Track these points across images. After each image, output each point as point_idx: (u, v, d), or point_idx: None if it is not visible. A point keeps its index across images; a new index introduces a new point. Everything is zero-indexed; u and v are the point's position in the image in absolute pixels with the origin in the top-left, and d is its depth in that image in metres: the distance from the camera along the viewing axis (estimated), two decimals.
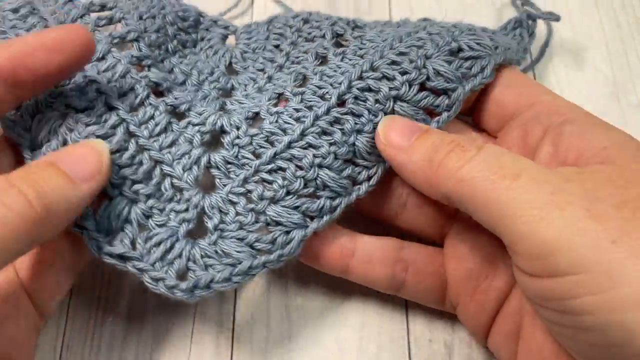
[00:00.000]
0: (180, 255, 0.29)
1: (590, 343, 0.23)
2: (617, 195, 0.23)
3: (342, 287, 0.34)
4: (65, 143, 0.29)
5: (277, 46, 0.37)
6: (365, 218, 0.33)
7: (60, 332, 0.33)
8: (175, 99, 0.32)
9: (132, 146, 0.30)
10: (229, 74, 0.36)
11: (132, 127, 0.30)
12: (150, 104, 0.31)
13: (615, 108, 0.40)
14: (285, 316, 0.33)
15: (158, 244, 0.29)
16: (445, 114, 0.31)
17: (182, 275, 0.28)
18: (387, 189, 0.32)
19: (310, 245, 0.30)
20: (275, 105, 0.32)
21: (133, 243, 0.29)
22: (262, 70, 0.36)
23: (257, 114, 0.32)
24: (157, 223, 0.29)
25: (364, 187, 0.31)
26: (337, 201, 0.30)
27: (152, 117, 0.31)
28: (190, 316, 0.33)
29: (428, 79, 0.30)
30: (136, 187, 0.29)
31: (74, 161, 0.26)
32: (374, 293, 0.34)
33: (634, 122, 0.39)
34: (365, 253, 0.31)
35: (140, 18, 0.34)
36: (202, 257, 0.29)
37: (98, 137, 0.29)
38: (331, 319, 0.33)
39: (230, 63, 0.37)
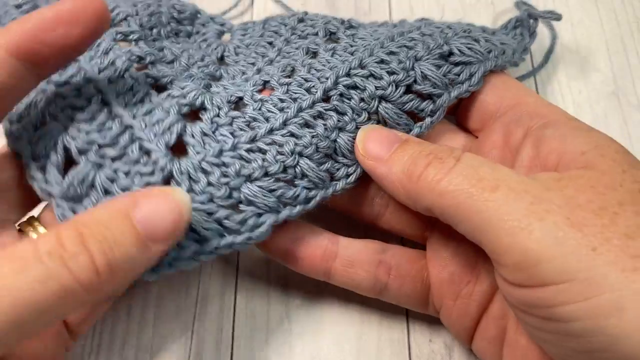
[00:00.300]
0: None
1: (574, 349, 0.23)
2: (596, 201, 0.23)
3: (342, 287, 0.34)
4: (66, 151, 0.28)
5: (270, 43, 0.36)
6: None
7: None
8: (158, 72, 0.31)
9: (104, 115, 0.29)
10: (219, 65, 0.36)
11: (108, 97, 0.29)
12: (131, 76, 0.31)
13: (615, 108, 0.40)
14: (285, 316, 0.33)
15: None
16: (428, 119, 0.31)
17: None
18: (369, 190, 0.32)
19: (291, 248, 0.30)
20: (260, 92, 0.32)
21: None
22: (252, 64, 0.35)
23: (240, 98, 0.31)
24: (122, 187, 0.27)
25: (341, 184, 0.30)
26: (313, 192, 0.30)
27: (130, 89, 0.30)
28: (190, 316, 0.33)
29: (415, 81, 0.30)
30: (103, 150, 0.28)
31: (149, 217, 0.23)
32: None
33: (634, 122, 0.39)
34: (347, 256, 0.31)
35: (134, 5, 0.34)
36: None
37: (75, 108, 0.28)
38: (331, 318, 0.33)
39: (223, 57, 0.37)
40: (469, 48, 0.31)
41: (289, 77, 0.32)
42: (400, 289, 0.31)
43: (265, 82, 0.32)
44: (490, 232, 0.24)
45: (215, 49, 0.36)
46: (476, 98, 0.32)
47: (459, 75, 0.31)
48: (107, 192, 0.27)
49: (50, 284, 0.21)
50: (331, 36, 0.35)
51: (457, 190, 0.25)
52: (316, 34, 0.35)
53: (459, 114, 0.33)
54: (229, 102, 0.31)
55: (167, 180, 0.28)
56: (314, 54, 0.34)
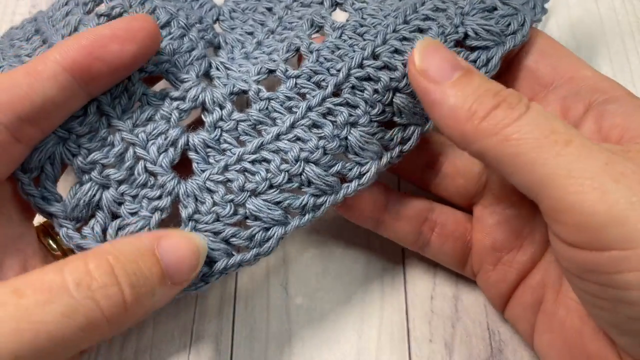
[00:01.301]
0: None
1: (629, 316, 0.22)
2: None
3: (342, 287, 0.34)
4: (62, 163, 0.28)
5: (269, 9, 0.34)
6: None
7: None
8: (154, 65, 0.29)
9: (102, 126, 0.28)
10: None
11: (104, 106, 0.28)
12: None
13: None
14: (285, 316, 0.33)
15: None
16: None
17: None
18: (421, 156, 0.32)
19: (346, 198, 0.30)
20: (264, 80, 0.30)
21: (104, 231, 0.27)
22: (251, 33, 0.33)
23: (244, 92, 0.30)
24: (130, 211, 0.27)
25: (353, 186, 0.29)
26: (321, 199, 0.28)
27: (125, 90, 0.29)
28: (190, 316, 0.33)
29: None
30: (107, 171, 0.28)
31: (173, 259, 0.24)
32: (374, 292, 0.34)
33: None
34: (396, 209, 0.31)
35: None
36: None
37: (74, 123, 0.27)
38: (331, 318, 0.33)
39: (218, 20, 0.34)
40: (486, 30, 0.29)
41: (293, 57, 0.30)
42: (442, 247, 0.31)
43: (271, 71, 0.30)
44: (554, 188, 0.22)
45: (209, 10, 0.34)
46: (526, 66, 0.30)
47: (475, 61, 0.29)
48: (114, 214, 0.28)
49: (76, 318, 0.21)
50: (337, 6, 0.32)
51: (525, 138, 0.23)
52: (321, 3, 0.33)
53: (505, 81, 0.30)
54: (231, 94, 0.29)
55: (175, 203, 0.28)
56: (320, 28, 0.31)
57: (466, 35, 0.29)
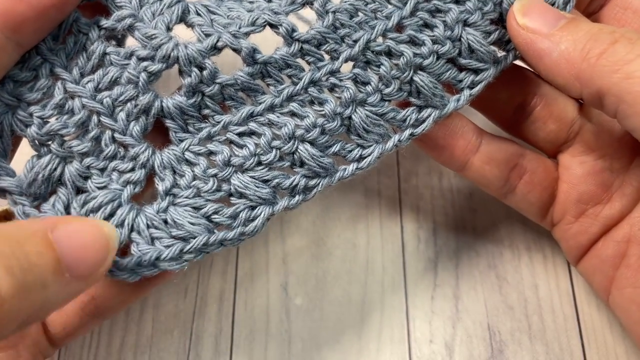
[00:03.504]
0: (122, 224, 0.24)
1: None
2: None
3: (342, 287, 0.34)
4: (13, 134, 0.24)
5: None
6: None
7: None
8: (116, 20, 0.25)
9: (59, 92, 0.24)
10: None
11: (56, 68, 0.24)
12: (80, 30, 0.25)
13: None
14: (284, 316, 0.33)
15: (96, 210, 0.24)
16: (467, 92, 0.27)
17: (123, 249, 0.24)
18: (517, 94, 0.30)
19: (436, 136, 0.28)
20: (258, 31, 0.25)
21: (67, 208, 0.24)
22: None
23: (234, 50, 0.25)
24: (98, 185, 0.24)
25: (350, 169, 0.26)
26: (314, 181, 0.26)
27: (83, 49, 0.25)
28: (189, 316, 0.33)
29: (460, 54, 0.26)
30: (69, 143, 0.24)
31: (72, 247, 0.20)
32: (374, 292, 0.34)
33: None
34: (487, 152, 0.29)
35: None
36: (147, 227, 0.24)
37: (18, 81, 0.24)
38: (331, 318, 0.33)
39: None
40: None
41: (299, 9, 0.26)
42: (527, 195, 0.30)
43: (271, 25, 0.25)
44: None
45: None
46: (629, 6, 0.28)
47: (508, 43, 0.27)
48: (79, 189, 0.24)
49: None
50: None
51: None
52: None
53: (604, 21, 0.29)
54: (212, 48, 0.25)
55: (150, 176, 0.25)
56: None
57: (501, 16, 0.27)
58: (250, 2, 0.27)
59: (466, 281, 0.34)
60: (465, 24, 0.26)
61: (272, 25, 0.25)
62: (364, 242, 0.35)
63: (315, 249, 0.35)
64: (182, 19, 0.25)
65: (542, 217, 0.31)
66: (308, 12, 0.27)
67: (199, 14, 0.25)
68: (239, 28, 0.25)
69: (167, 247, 0.24)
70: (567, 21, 0.25)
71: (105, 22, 0.25)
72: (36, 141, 0.24)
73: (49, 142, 0.24)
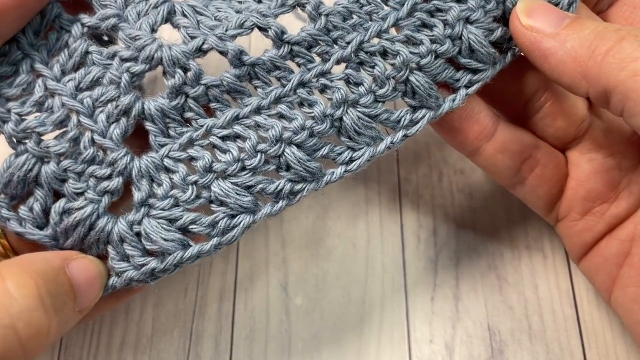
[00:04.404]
0: (97, 240, 0.23)
1: None
2: None
3: (342, 287, 0.34)
4: None
5: None
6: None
7: None
8: (99, 19, 0.24)
9: (38, 89, 0.24)
10: None
11: (37, 64, 0.24)
12: (62, 27, 0.24)
13: None
14: (284, 316, 0.33)
15: (75, 226, 0.23)
16: (463, 91, 0.26)
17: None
18: (528, 87, 0.29)
19: (450, 118, 0.28)
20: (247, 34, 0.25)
21: (45, 212, 0.24)
22: None
23: (220, 52, 0.24)
24: (75, 190, 0.23)
25: (338, 172, 0.25)
26: (299, 186, 0.24)
27: (65, 46, 0.24)
28: (189, 316, 0.33)
29: (460, 53, 0.25)
30: (46, 142, 0.23)
31: (83, 281, 0.21)
32: (374, 292, 0.33)
33: None
34: (502, 140, 0.28)
35: None
36: (122, 241, 0.23)
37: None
38: (331, 319, 0.33)
39: None
40: None
41: (289, 11, 0.25)
42: (536, 188, 0.30)
43: (260, 28, 0.24)
44: None
45: None
46: (639, 4, 0.28)
47: (509, 41, 0.26)
48: (56, 192, 0.24)
49: None
50: None
51: None
52: None
53: (613, 21, 0.29)
54: (197, 50, 0.24)
55: (127, 184, 0.24)
56: None
57: (504, 14, 0.26)
58: (240, 2, 0.26)
59: (466, 281, 0.34)
60: (468, 21, 0.25)
61: (260, 28, 0.25)
62: (364, 242, 0.35)
63: (315, 249, 0.35)
64: (168, 19, 0.25)
65: (547, 212, 0.31)
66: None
67: (185, 15, 0.25)
68: (226, 30, 0.24)
69: (141, 265, 0.23)
70: (571, 20, 0.25)
71: (89, 20, 0.24)
72: (13, 138, 0.23)
73: (26, 140, 0.23)
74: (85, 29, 0.24)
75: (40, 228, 0.24)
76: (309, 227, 0.35)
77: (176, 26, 0.25)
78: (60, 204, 0.23)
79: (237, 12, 0.25)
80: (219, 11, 0.25)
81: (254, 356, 0.32)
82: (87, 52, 0.24)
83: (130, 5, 0.25)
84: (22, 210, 0.24)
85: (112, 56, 0.24)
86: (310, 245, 0.35)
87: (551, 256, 0.34)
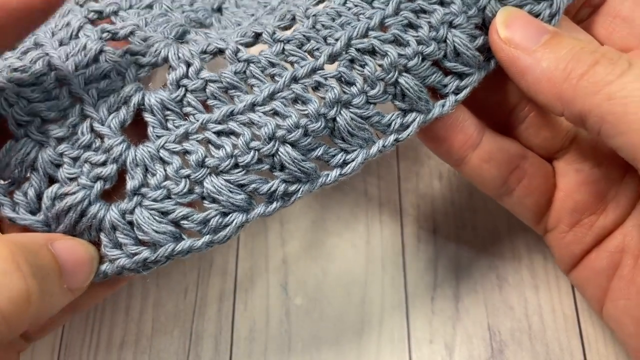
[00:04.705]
0: (89, 227, 0.23)
1: None
2: None
3: (342, 287, 0.34)
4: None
5: None
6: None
7: (58, 332, 0.33)
8: (120, 27, 0.26)
9: (50, 78, 0.24)
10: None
11: (54, 60, 0.25)
12: (85, 34, 0.25)
13: None
14: (284, 316, 0.33)
15: (66, 211, 0.23)
16: (452, 97, 0.26)
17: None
18: (511, 96, 0.29)
19: (435, 127, 0.27)
20: (248, 47, 0.26)
21: (39, 197, 0.24)
22: (252, 15, 0.29)
23: (220, 51, 0.25)
24: (68, 175, 0.23)
25: (333, 175, 0.25)
26: (294, 187, 0.24)
27: (83, 48, 0.25)
28: (189, 317, 0.33)
29: (445, 56, 0.25)
30: (46, 126, 0.24)
31: (70, 260, 0.22)
32: (374, 292, 0.33)
33: None
34: (488, 150, 0.28)
35: None
36: (114, 229, 0.23)
37: (16, 70, 0.24)
38: (331, 319, 0.33)
39: (220, 8, 0.30)
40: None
41: (286, 28, 0.26)
42: (524, 199, 0.29)
43: (257, 35, 0.26)
44: None
45: None
46: (618, 14, 0.28)
47: (490, 50, 0.26)
48: (52, 179, 0.24)
49: None
50: None
51: (633, 96, 0.21)
52: None
53: (595, 30, 0.29)
54: (203, 52, 0.25)
55: (120, 172, 0.24)
56: None
57: (484, 22, 0.26)
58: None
59: (466, 281, 0.34)
60: (451, 25, 0.25)
61: (258, 35, 0.26)
62: (364, 242, 0.35)
63: (315, 249, 0.35)
64: (181, 37, 0.27)
65: (536, 223, 0.30)
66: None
67: (196, 34, 0.27)
68: (230, 37, 0.26)
69: (133, 254, 0.23)
70: (550, 36, 0.24)
71: (110, 27, 0.26)
72: (16, 121, 0.24)
73: (28, 125, 0.24)
74: (105, 34, 0.26)
75: (34, 214, 0.24)
76: (309, 227, 0.35)
77: (185, 42, 0.26)
78: (53, 189, 0.23)
79: (241, 29, 0.27)
80: (226, 29, 0.28)
81: (254, 356, 0.32)
82: (101, 51, 0.25)
83: (149, 25, 0.27)
84: (17, 195, 0.24)
85: (124, 53, 0.25)
86: (310, 245, 0.35)
87: (551, 256, 0.34)
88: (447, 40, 0.25)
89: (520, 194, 0.29)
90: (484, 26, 0.26)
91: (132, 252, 0.23)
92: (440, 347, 0.32)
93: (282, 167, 0.24)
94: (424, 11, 0.25)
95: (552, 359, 0.32)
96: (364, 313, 0.33)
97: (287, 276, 0.34)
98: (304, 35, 0.25)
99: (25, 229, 0.24)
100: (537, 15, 0.26)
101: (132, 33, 0.26)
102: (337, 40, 0.25)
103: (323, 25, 0.25)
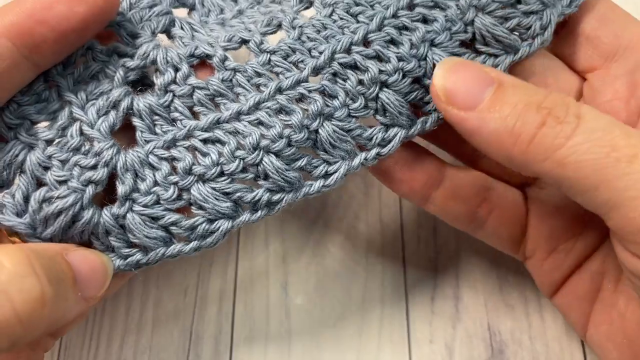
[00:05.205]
0: (82, 232, 0.24)
1: None
2: None
3: (342, 287, 0.34)
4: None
5: None
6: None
7: None
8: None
9: (39, 80, 0.25)
10: None
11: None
12: None
13: None
14: (284, 316, 0.33)
15: (56, 215, 0.23)
16: (434, 115, 0.26)
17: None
18: None
19: (393, 168, 0.27)
20: (236, 50, 0.26)
21: (26, 200, 0.24)
22: (235, 0, 0.29)
23: (208, 56, 0.26)
24: (57, 178, 0.23)
25: (317, 186, 0.25)
26: (278, 196, 0.25)
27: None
28: (189, 317, 0.33)
29: (425, 75, 0.25)
30: (35, 129, 0.24)
31: (85, 269, 0.22)
32: (374, 292, 0.33)
33: None
34: (451, 187, 0.27)
35: None
36: (107, 233, 0.24)
37: None
38: (331, 318, 0.33)
39: None
40: (496, 40, 0.25)
41: (272, 34, 0.27)
42: (497, 230, 0.28)
43: (244, 42, 0.26)
44: (623, 209, 0.21)
45: None
46: (584, 33, 0.27)
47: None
48: (39, 181, 0.24)
49: None
50: None
51: (584, 160, 0.21)
52: None
53: (559, 49, 0.28)
54: (191, 56, 0.26)
55: (111, 176, 0.24)
56: (310, 4, 0.28)
57: (474, 37, 0.26)
58: (232, 27, 0.28)
59: (466, 281, 0.34)
60: (432, 44, 0.25)
61: (245, 42, 0.26)
62: (364, 242, 0.35)
63: (315, 249, 0.35)
64: (167, 29, 0.27)
65: (514, 251, 0.30)
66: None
67: (182, 29, 0.27)
68: (217, 42, 0.26)
69: (126, 256, 0.24)
70: (492, 92, 0.23)
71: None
72: (6, 124, 0.24)
73: (18, 127, 0.24)
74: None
75: (21, 216, 0.24)
76: (309, 227, 0.35)
77: (172, 37, 0.27)
78: (41, 192, 0.23)
79: (227, 32, 0.27)
80: (212, 32, 0.27)
81: (254, 356, 0.32)
82: (89, 48, 0.25)
83: (134, 9, 0.26)
84: (4, 197, 0.24)
85: (112, 53, 0.26)
86: (310, 245, 0.35)
87: None
88: (427, 59, 0.25)
89: (492, 226, 0.29)
90: (473, 40, 0.26)
91: (125, 254, 0.24)
92: (440, 347, 0.32)
93: (266, 176, 0.25)
94: (407, 28, 0.25)
95: (552, 359, 0.32)
96: (364, 313, 0.33)
97: (287, 276, 0.34)
98: (289, 47, 0.26)
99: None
100: (527, 29, 0.25)
101: (118, 25, 0.26)
102: (321, 53, 0.25)
103: (308, 37, 0.26)
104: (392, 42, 0.25)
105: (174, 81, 0.25)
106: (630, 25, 0.27)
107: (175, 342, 0.33)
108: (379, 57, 0.25)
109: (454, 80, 0.23)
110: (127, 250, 0.24)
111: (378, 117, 0.26)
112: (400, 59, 0.25)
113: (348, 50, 0.25)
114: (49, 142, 0.24)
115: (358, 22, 0.26)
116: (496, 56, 0.26)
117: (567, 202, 0.27)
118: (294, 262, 0.35)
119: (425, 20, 0.26)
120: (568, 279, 0.28)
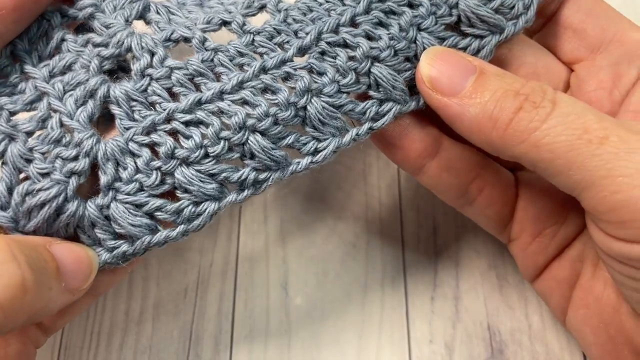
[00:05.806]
0: (67, 226, 0.23)
1: None
2: None
3: (342, 287, 0.34)
4: None
5: None
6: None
7: (58, 332, 0.33)
8: (77, 9, 0.26)
9: (15, 72, 0.25)
10: None
11: (19, 51, 0.25)
12: (43, 17, 0.26)
13: None
14: (284, 316, 0.33)
15: (39, 207, 0.23)
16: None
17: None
18: None
19: (391, 135, 0.27)
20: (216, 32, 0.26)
21: (10, 191, 0.23)
22: None
23: (186, 39, 0.25)
24: (40, 171, 0.23)
25: (304, 162, 0.25)
26: (264, 175, 0.24)
27: (45, 35, 0.25)
28: (189, 316, 0.33)
29: (415, 56, 0.25)
30: (15, 120, 0.24)
31: (69, 260, 0.22)
32: (374, 293, 0.33)
33: None
34: (447, 158, 0.27)
35: None
36: (92, 226, 0.24)
37: None
38: (331, 318, 0.33)
39: None
40: (481, 20, 0.26)
41: (254, 15, 0.26)
42: (485, 209, 0.29)
43: (225, 23, 0.26)
44: (595, 188, 0.22)
45: None
46: (570, 26, 0.28)
47: (465, 49, 0.26)
48: (21, 171, 0.24)
49: None
50: None
51: (557, 142, 0.22)
52: None
53: (547, 40, 0.29)
54: (167, 40, 0.25)
55: (93, 165, 0.24)
56: None
57: (459, 19, 0.26)
58: (210, 8, 0.27)
59: (466, 281, 0.34)
60: (419, 28, 0.26)
61: (225, 23, 0.26)
62: (364, 242, 0.35)
63: (315, 249, 0.35)
64: (142, 15, 0.26)
65: (499, 232, 0.30)
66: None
67: (158, 13, 0.26)
68: (195, 24, 0.26)
69: (112, 248, 0.24)
70: (474, 79, 0.24)
71: (68, 10, 0.26)
72: None
73: None
74: (65, 19, 0.26)
75: (4, 209, 0.24)
76: (309, 227, 0.35)
77: (148, 22, 0.26)
78: (25, 185, 0.23)
79: (206, 14, 0.27)
80: (190, 13, 0.27)
81: (254, 356, 0.32)
82: (63, 40, 0.25)
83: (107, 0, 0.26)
84: None
85: (86, 43, 0.26)
86: (310, 245, 0.35)
87: None
88: (417, 42, 0.25)
89: (481, 204, 0.29)
90: (458, 23, 0.26)
91: (111, 246, 0.24)
92: (440, 347, 0.32)
93: (252, 156, 0.24)
94: (394, 12, 0.26)
95: (552, 359, 0.32)
96: (364, 313, 0.33)
97: (287, 276, 0.34)
98: (274, 28, 0.25)
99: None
100: (511, 8, 0.26)
101: (91, 16, 0.26)
102: (307, 34, 0.25)
103: (294, 20, 0.26)
104: (381, 24, 0.25)
105: (150, 65, 0.25)
106: (616, 20, 0.28)
107: (175, 342, 0.33)
108: (368, 37, 0.25)
109: (438, 68, 0.24)
110: (113, 242, 0.24)
111: (371, 92, 0.26)
112: (391, 38, 0.25)
113: (335, 31, 0.25)
114: (29, 134, 0.24)
115: (344, 4, 0.26)
116: (482, 37, 0.26)
117: (552, 189, 0.27)
118: (294, 262, 0.35)
119: (411, 5, 0.26)
120: (550, 264, 0.29)
